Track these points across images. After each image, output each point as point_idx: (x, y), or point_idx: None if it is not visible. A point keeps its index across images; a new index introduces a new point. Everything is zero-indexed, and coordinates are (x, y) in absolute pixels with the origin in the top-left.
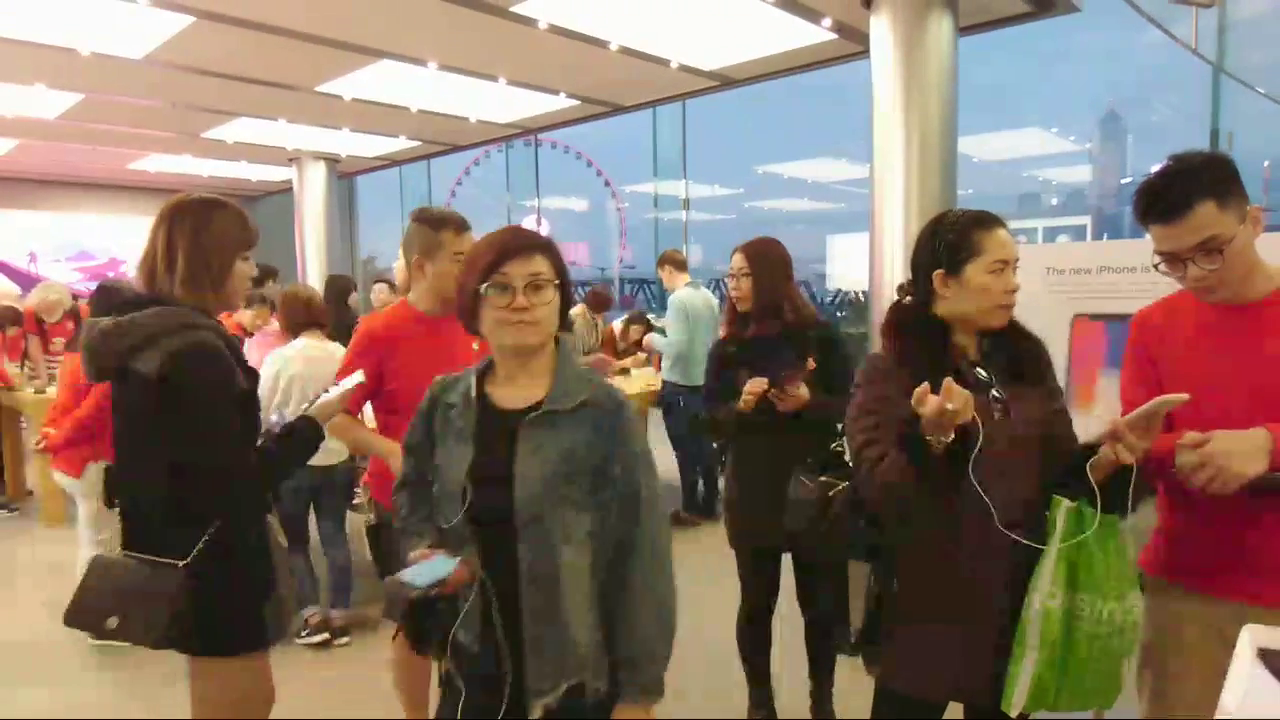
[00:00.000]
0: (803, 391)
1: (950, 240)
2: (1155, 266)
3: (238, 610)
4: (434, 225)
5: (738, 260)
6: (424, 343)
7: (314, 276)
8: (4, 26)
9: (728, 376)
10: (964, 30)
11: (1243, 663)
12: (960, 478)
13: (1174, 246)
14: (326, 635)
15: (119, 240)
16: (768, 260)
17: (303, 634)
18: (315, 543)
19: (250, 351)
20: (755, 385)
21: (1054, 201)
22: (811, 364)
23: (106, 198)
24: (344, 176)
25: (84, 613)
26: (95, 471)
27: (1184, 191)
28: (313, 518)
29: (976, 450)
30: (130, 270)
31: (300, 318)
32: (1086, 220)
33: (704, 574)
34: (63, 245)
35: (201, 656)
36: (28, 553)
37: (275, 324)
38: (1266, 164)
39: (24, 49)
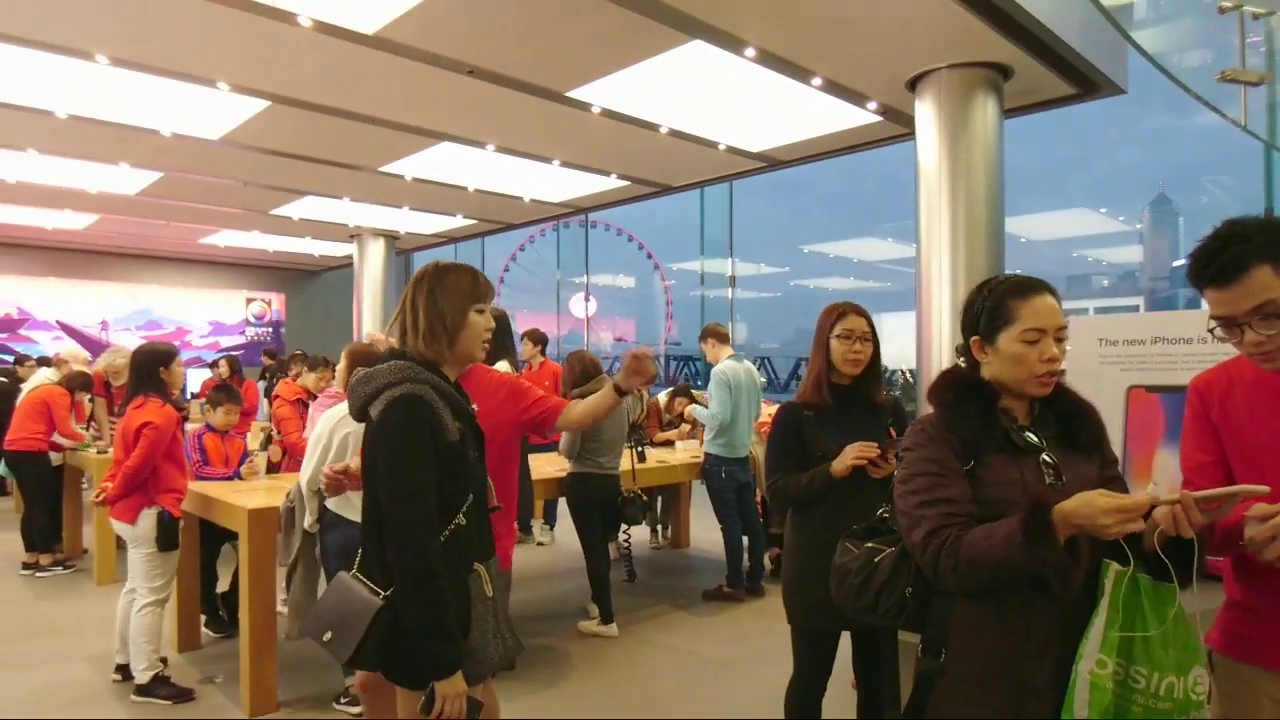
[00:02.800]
0: (892, 462)
1: (988, 306)
2: (1211, 332)
3: (423, 647)
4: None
5: (859, 322)
6: None
7: None
8: (94, 108)
9: (804, 443)
10: (1009, 113)
11: None
12: (1061, 587)
13: (1229, 311)
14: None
15: (187, 310)
16: (874, 326)
17: (341, 700)
18: None
19: (315, 410)
20: (866, 450)
21: (1105, 283)
22: (893, 434)
23: (177, 270)
24: (402, 253)
25: (313, 624)
26: (148, 518)
27: (1238, 254)
28: None
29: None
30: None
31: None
32: (1139, 301)
33: (749, 651)
34: (133, 314)
35: (400, 686)
36: (79, 608)
37: (336, 386)
38: None
39: (110, 129)
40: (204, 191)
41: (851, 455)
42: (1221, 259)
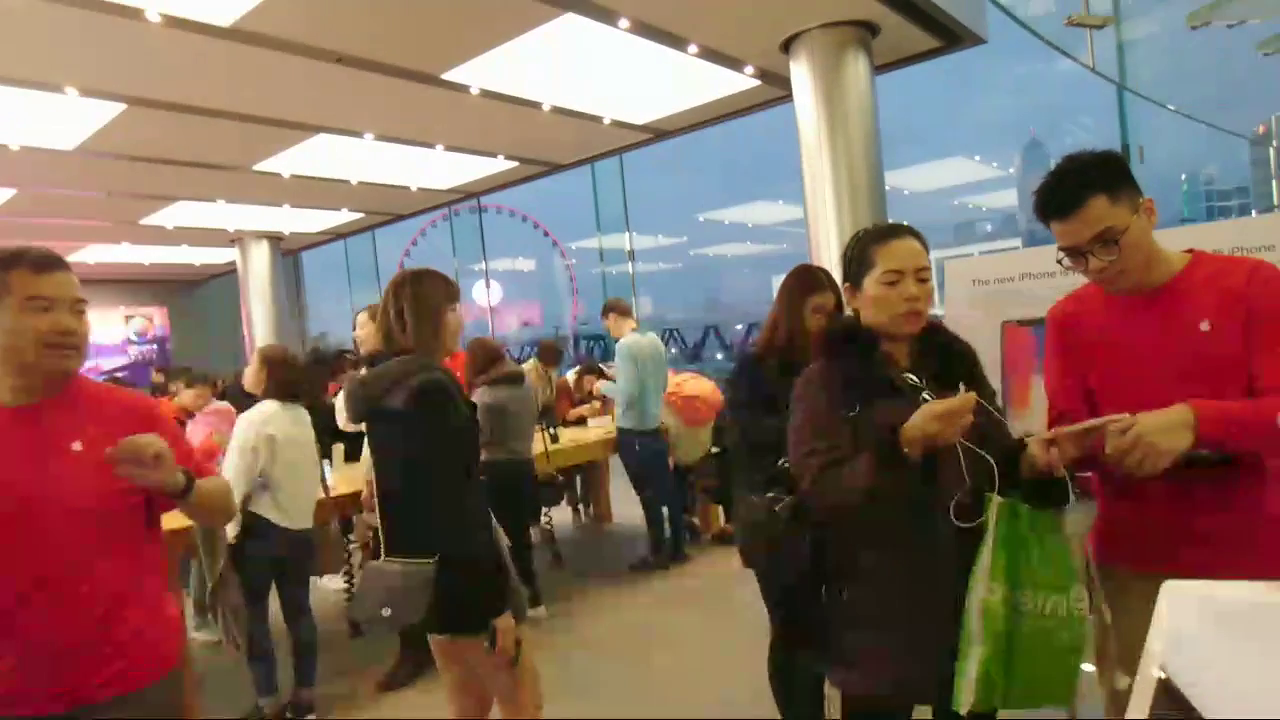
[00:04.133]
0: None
1: (853, 255)
2: (1059, 261)
3: (478, 596)
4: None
5: (829, 299)
6: None
7: None
8: None
9: (769, 394)
10: (879, 69)
11: (1162, 621)
12: (926, 485)
13: (1073, 241)
14: None
15: None
16: None
17: None
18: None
19: (195, 429)
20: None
21: (989, 228)
22: None
23: None
24: (288, 253)
25: (362, 608)
26: None
27: (1076, 187)
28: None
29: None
30: None
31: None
32: (1018, 243)
33: (681, 614)
34: None
35: (457, 636)
36: None
37: (216, 403)
38: (1184, 176)
39: None
40: (64, 205)
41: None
42: (1061, 193)
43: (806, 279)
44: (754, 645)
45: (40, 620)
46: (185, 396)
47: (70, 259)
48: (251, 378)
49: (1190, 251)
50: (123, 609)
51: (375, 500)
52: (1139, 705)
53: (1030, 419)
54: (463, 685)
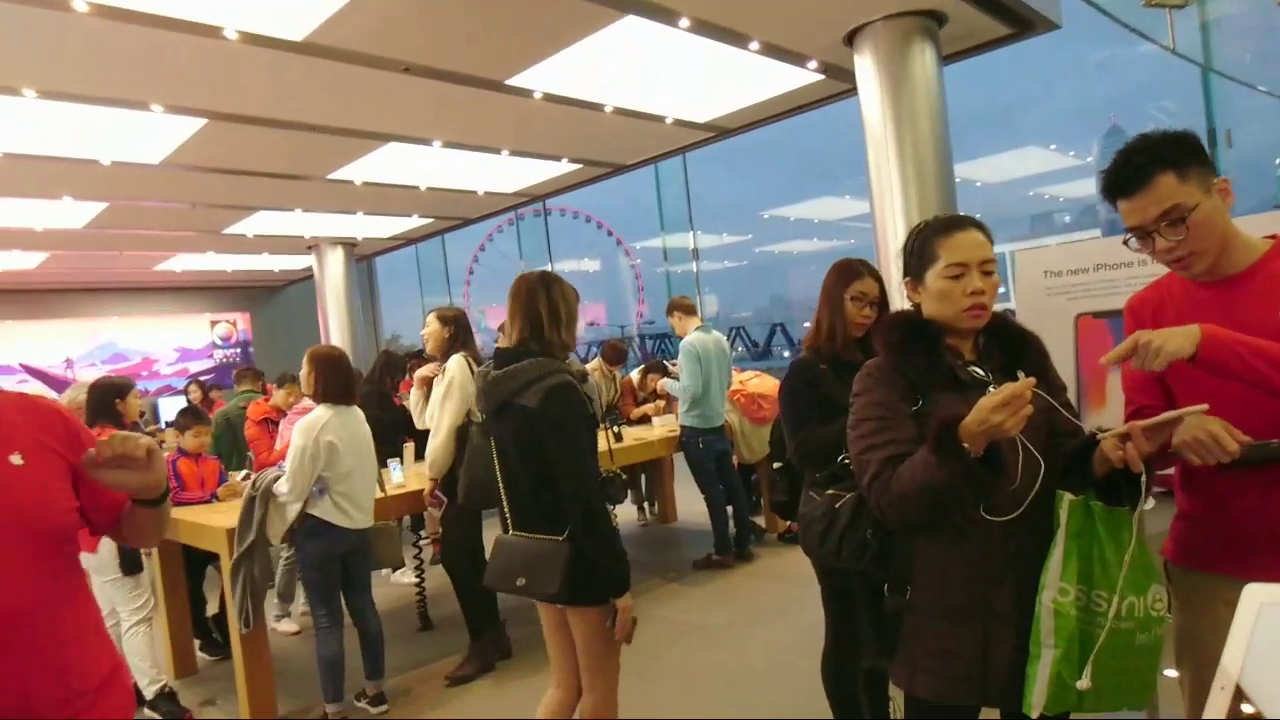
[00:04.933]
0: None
1: (916, 247)
2: (1126, 243)
3: (606, 573)
4: None
5: (872, 287)
6: None
7: None
8: (30, 143)
9: (825, 396)
10: (947, 59)
11: (1243, 624)
12: (978, 495)
13: (1139, 220)
14: None
15: (151, 339)
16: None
17: (360, 700)
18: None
19: (285, 427)
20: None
21: (1067, 219)
22: None
23: (136, 299)
24: (362, 259)
25: (496, 577)
26: (107, 545)
27: (1142, 164)
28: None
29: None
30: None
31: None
32: (1098, 234)
33: (743, 615)
34: (97, 349)
35: (583, 607)
36: None
37: (306, 401)
38: (1278, 161)
39: (49, 164)
40: (152, 217)
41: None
42: (1127, 170)
43: (844, 270)
44: (815, 650)
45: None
46: (277, 396)
47: (158, 268)
48: (303, 379)
49: (1273, 237)
50: (80, 651)
51: (435, 495)
52: (1214, 710)
53: (1107, 415)
54: (565, 659)
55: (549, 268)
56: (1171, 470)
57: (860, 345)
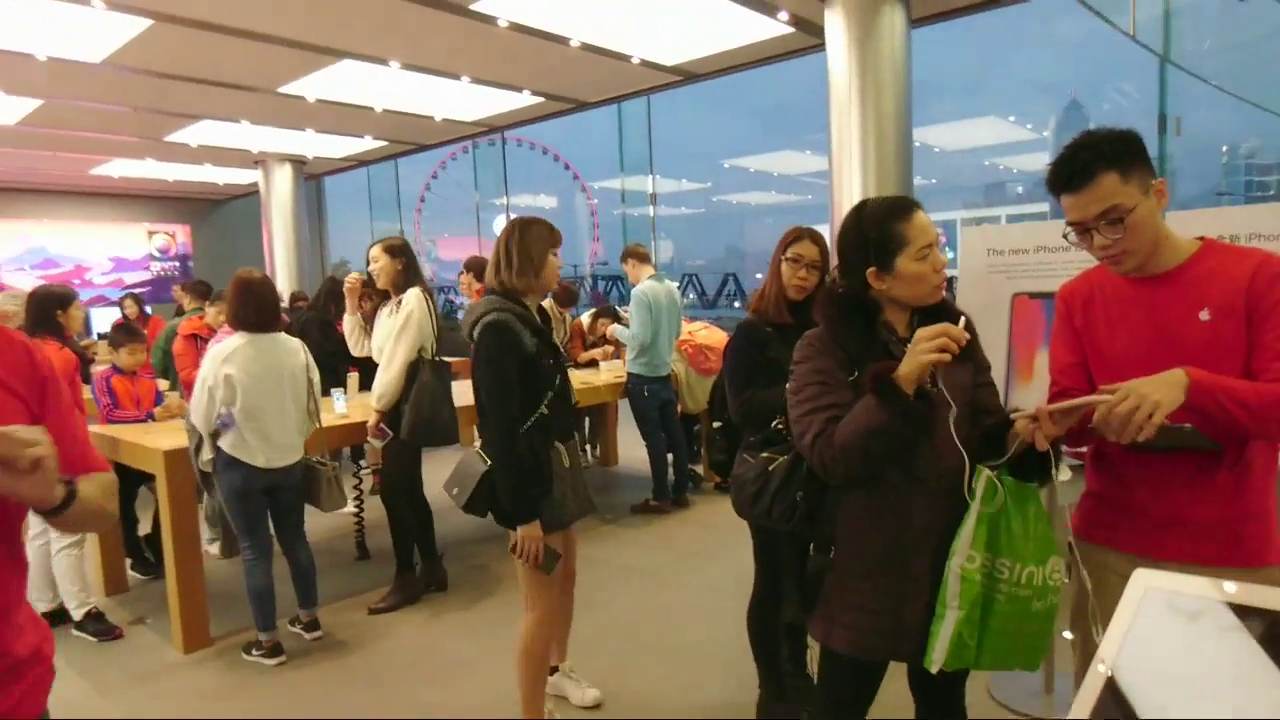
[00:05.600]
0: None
1: (874, 237)
2: (1065, 236)
3: (509, 499)
4: None
5: (810, 250)
6: None
7: (283, 279)
8: None
9: (769, 359)
10: (917, 22)
11: (1128, 604)
12: (921, 433)
13: (1080, 216)
14: (282, 659)
15: (85, 246)
16: (829, 251)
17: (252, 652)
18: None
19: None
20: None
21: (1019, 190)
22: None
23: (70, 204)
24: (311, 178)
25: (448, 483)
26: None
27: (1088, 162)
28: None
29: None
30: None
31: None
32: (1046, 207)
33: (676, 559)
34: (26, 253)
35: (509, 530)
36: None
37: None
38: (1225, 148)
39: None
40: (90, 118)
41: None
42: (1072, 166)
43: (785, 237)
44: (742, 595)
45: None
46: (209, 314)
47: (94, 172)
48: (227, 306)
49: (1201, 239)
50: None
51: (380, 428)
52: (1084, 703)
53: (1033, 390)
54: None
55: (504, 200)
56: (1081, 448)
57: (799, 308)
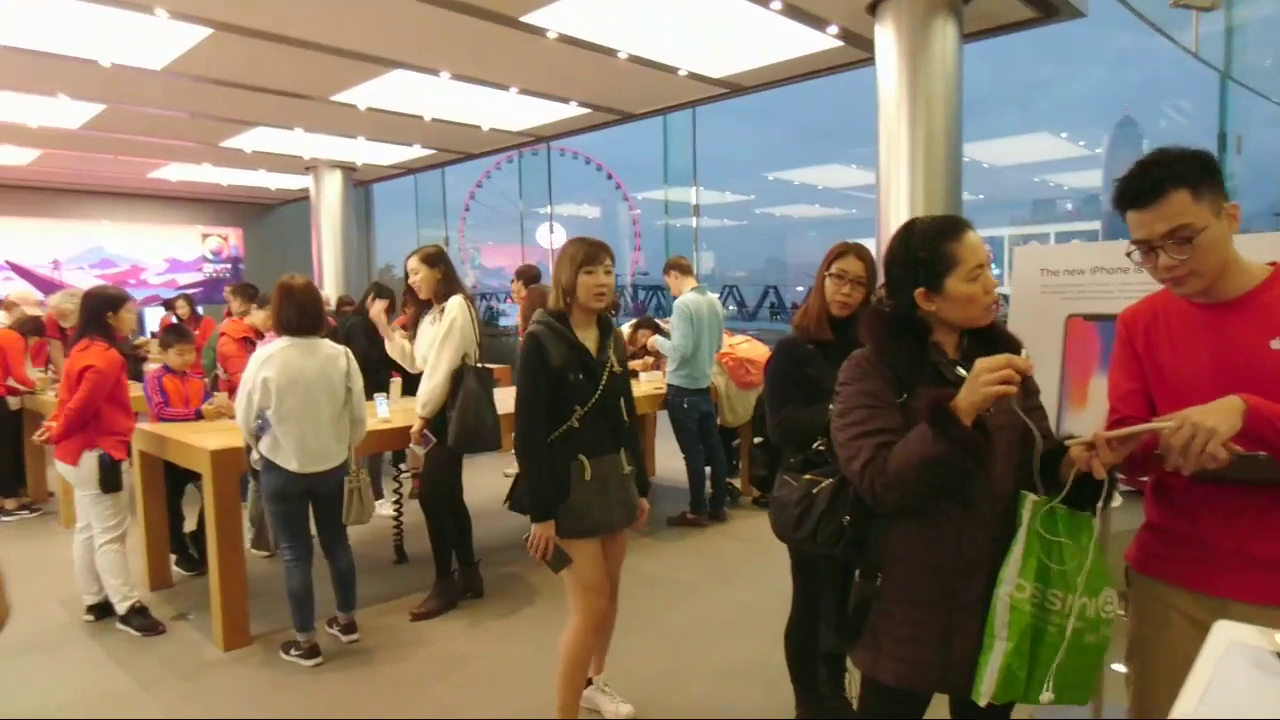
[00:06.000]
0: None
1: (923, 258)
2: (1128, 254)
3: (531, 498)
4: None
5: (855, 265)
6: None
7: (330, 284)
8: (28, 39)
9: (807, 376)
10: (969, 36)
11: (1208, 661)
12: (976, 463)
13: (1146, 234)
14: (319, 660)
15: (141, 245)
16: (875, 268)
17: (290, 652)
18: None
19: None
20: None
21: (1069, 207)
22: None
23: (127, 206)
24: (360, 184)
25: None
26: (89, 460)
27: (1158, 179)
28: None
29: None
30: (150, 276)
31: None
32: (1098, 225)
33: (712, 574)
34: (85, 252)
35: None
36: (46, 550)
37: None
38: None
39: (47, 60)
40: (150, 124)
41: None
42: (1142, 182)
43: (830, 252)
44: (778, 613)
45: None
46: (256, 317)
47: (152, 175)
48: (272, 313)
49: (1273, 264)
50: None
51: (424, 434)
52: None
53: (1086, 417)
54: None
55: (548, 209)
56: (1141, 478)
57: (842, 325)
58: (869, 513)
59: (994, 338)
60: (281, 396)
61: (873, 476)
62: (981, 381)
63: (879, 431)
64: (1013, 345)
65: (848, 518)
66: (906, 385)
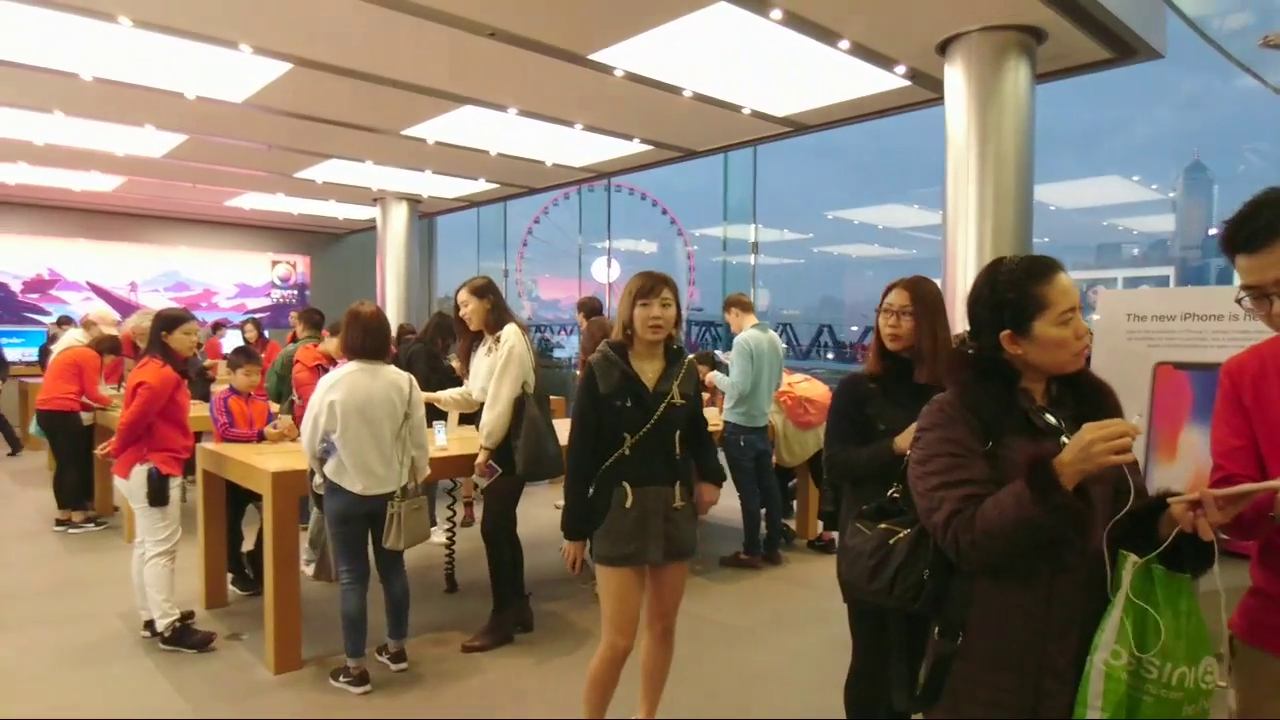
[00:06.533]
0: None
1: (1011, 299)
2: (1238, 301)
3: (566, 516)
4: None
5: (900, 296)
6: None
7: (393, 312)
8: (118, 71)
9: (865, 415)
10: (1041, 77)
11: None
12: (1077, 532)
13: (1257, 279)
14: (367, 688)
15: (213, 272)
16: (935, 301)
17: (340, 678)
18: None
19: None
20: None
21: (1135, 252)
22: None
23: (203, 232)
24: (424, 216)
25: None
26: (139, 474)
27: (1271, 220)
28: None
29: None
30: (221, 299)
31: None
32: (1169, 271)
33: (766, 619)
34: (161, 275)
35: None
36: (109, 564)
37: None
38: None
39: (135, 92)
40: (229, 154)
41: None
42: (1254, 225)
43: (885, 292)
44: (836, 664)
45: None
46: (330, 344)
47: (228, 204)
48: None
49: None
50: None
51: (490, 465)
52: None
53: (1174, 472)
54: None
55: (607, 244)
56: (1246, 541)
57: (895, 360)
58: (950, 567)
59: (1084, 385)
60: (347, 420)
61: (957, 532)
62: (1096, 451)
63: (963, 483)
64: (1105, 394)
65: (928, 572)
66: (992, 433)
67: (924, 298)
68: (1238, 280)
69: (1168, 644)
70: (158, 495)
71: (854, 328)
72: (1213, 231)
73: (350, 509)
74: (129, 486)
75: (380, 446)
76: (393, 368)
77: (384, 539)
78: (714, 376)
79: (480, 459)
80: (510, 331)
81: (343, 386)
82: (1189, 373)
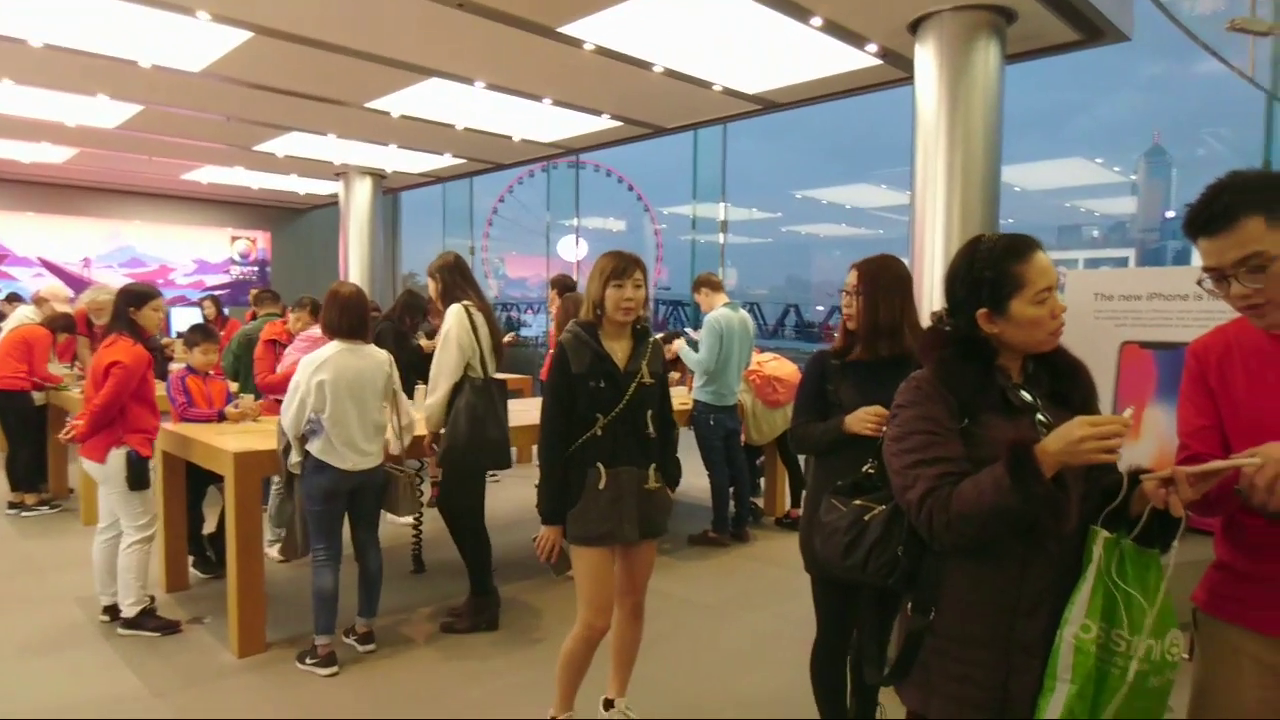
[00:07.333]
0: None
1: (989, 278)
2: (1199, 283)
3: (543, 500)
4: None
5: (850, 276)
6: None
7: None
8: (69, 37)
9: (826, 391)
10: (1011, 58)
11: None
12: (1053, 519)
13: (1217, 261)
14: (335, 669)
15: (170, 247)
16: (882, 279)
17: (306, 660)
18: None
19: (292, 352)
20: (878, 417)
21: (1095, 234)
22: None
23: (159, 207)
24: (389, 192)
25: None
26: (117, 457)
27: (1230, 204)
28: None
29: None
30: (179, 277)
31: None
32: (1129, 253)
33: (734, 596)
34: (116, 251)
35: None
36: (65, 548)
37: (315, 329)
38: None
39: (88, 60)
40: (186, 126)
41: (863, 420)
42: (1213, 208)
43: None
44: (802, 640)
45: None
46: (290, 320)
47: (184, 177)
48: (323, 318)
49: None
50: None
51: (432, 447)
52: None
53: (1139, 450)
54: None
55: (574, 222)
56: (1210, 518)
57: (855, 338)
58: (924, 544)
59: (1059, 362)
60: (337, 399)
61: (932, 510)
62: (1086, 448)
63: (938, 460)
64: (1080, 371)
65: (901, 548)
66: (968, 410)
67: (871, 276)
68: (1197, 261)
69: (1136, 618)
70: (139, 479)
71: (819, 307)
72: (1171, 214)
73: (337, 485)
74: (105, 471)
75: (365, 423)
76: (373, 346)
77: (398, 509)
78: (680, 345)
79: (426, 442)
80: (449, 313)
81: (330, 367)
82: (1154, 352)
